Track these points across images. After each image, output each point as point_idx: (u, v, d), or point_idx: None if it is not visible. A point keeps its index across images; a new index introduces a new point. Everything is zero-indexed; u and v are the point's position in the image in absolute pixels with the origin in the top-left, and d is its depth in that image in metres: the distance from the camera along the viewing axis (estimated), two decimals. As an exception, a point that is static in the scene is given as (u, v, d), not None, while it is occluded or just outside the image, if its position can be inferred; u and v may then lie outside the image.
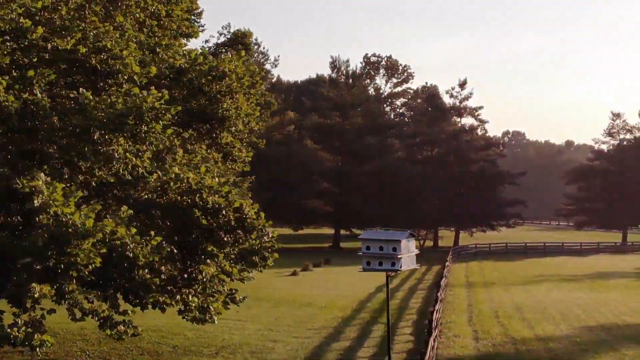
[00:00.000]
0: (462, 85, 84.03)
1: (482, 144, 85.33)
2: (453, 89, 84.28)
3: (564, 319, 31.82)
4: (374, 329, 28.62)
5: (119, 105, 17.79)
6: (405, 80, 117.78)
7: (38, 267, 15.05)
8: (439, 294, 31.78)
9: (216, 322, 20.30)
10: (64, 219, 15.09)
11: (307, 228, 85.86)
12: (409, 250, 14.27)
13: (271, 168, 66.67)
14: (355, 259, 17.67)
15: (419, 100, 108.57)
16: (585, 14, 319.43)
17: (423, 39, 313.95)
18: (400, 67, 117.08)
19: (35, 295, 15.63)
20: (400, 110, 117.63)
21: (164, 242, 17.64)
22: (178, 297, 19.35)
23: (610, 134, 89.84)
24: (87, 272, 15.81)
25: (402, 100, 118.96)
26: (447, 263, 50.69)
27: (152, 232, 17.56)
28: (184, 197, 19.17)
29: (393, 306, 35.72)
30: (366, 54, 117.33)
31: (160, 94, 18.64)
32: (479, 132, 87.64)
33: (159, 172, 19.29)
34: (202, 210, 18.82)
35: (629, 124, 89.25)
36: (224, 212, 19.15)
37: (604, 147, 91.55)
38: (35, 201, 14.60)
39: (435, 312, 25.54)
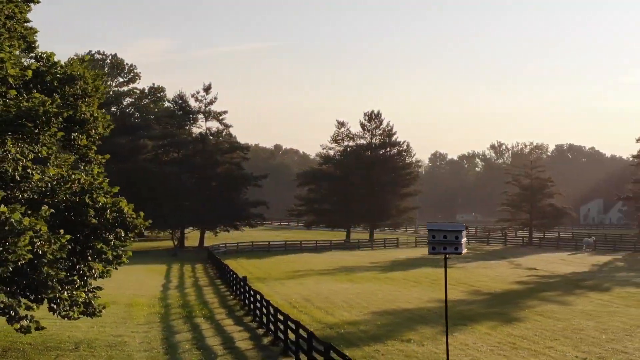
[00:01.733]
0: (207, 89, 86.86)
1: (228, 147, 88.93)
2: (198, 92, 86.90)
3: (350, 306, 36.21)
4: (198, 322, 30.25)
5: (14, 109, 17.95)
6: (132, 80, 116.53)
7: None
8: (245, 287, 34.26)
9: (101, 315, 21.04)
10: (2, 217, 15.32)
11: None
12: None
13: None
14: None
15: (145, 101, 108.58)
16: (306, 23, 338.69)
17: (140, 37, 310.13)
18: (127, 67, 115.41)
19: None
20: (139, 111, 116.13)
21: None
22: (66, 293, 19.68)
23: (335, 140, 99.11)
24: (10, 269, 16.11)
25: (129, 100, 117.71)
26: (223, 260, 52.86)
27: (62, 230, 17.96)
28: (75, 197, 19.58)
29: (193, 301, 37.37)
30: (90, 51, 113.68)
31: (48, 99, 19.11)
32: (225, 135, 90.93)
33: (48, 173, 19.51)
34: (93, 210, 19.45)
35: (352, 132, 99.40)
36: (108, 211, 19.98)
37: (331, 152, 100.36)
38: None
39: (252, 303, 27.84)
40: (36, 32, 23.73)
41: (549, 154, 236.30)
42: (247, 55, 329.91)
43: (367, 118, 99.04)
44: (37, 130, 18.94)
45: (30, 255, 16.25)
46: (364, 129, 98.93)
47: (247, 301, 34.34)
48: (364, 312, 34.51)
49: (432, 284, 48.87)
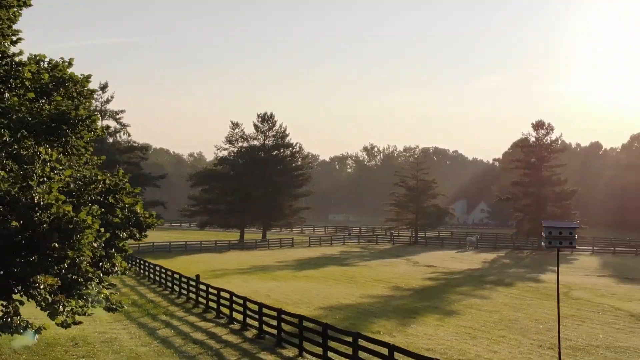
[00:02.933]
0: (104, 88, 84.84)
1: (126, 147, 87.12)
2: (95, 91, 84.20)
3: (296, 303, 37.58)
4: (165, 319, 30.67)
5: (45, 112, 18.38)
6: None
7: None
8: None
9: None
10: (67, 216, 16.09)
11: None
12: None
13: None
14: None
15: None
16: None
17: None
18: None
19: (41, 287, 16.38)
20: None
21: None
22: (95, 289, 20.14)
23: (230, 141, 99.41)
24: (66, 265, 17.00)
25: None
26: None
27: (102, 229, 18.59)
28: (99, 197, 20.11)
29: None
30: None
31: (82, 102, 19.66)
32: (123, 135, 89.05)
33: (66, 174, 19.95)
34: (119, 209, 20.07)
35: (246, 133, 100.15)
36: (126, 210, 20.69)
37: (225, 153, 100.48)
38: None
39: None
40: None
41: (416, 156, 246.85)
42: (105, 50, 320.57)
43: (260, 119, 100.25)
44: (69, 132, 19.28)
45: (90, 253, 16.80)
46: (257, 130, 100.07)
47: (200, 298, 35.09)
48: (312, 308, 35.97)
49: (351, 281, 51.15)
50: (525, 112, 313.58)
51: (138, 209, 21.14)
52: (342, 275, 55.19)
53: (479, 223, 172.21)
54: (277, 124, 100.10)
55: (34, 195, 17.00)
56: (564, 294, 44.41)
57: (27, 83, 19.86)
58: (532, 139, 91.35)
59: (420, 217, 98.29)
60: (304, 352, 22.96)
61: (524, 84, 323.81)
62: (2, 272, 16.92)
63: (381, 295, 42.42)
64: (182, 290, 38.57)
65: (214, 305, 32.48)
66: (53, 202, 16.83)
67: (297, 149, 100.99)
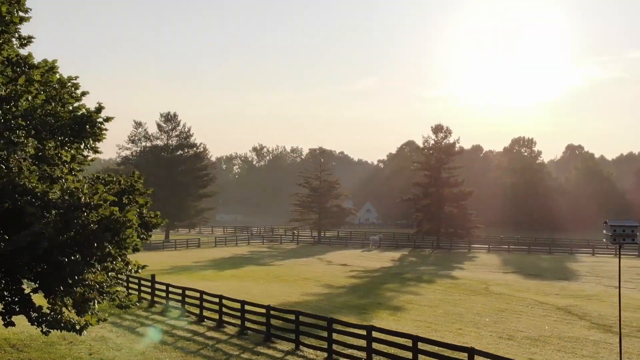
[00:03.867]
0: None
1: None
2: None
3: (251, 300, 38.10)
4: (133, 317, 30.59)
5: (67, 114, 18.77)
6: None
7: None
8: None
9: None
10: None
11: None
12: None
13: None
14: None
15: None
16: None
17: None
18: None
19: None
20: None
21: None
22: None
23: (132, 141, 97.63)
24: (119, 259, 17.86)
25: None
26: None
27: None
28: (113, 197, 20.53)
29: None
30: None
31: (101, 106, 20.16)
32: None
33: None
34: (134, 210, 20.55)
35: (149, 132, 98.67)
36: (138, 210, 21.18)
37: (128, 152, 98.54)
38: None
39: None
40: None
41: (303, 157, 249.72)
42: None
43: (163, 119, 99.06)
44: (90, 134, 19.49)
45: (131, 251, 17.36)
46: (160, 130, 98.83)
47: (156, 297, 35.15)
48: (277, 302, 36.32)
49: (280, 280, 52.12)
50: (403, 115, 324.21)
51: (144, 210, 21.44)
52: (267, 275, 55.97)
53: (365, 222, 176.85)
54: (181, 124, 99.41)
55: (80, 196, 17.19)
56: (485, 289, 47.56)
57: (36, 85, 19.78)
58: (432, 142, 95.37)
59: (323, 217, 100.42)
60: (300, 346, 23.91)
61: (400, 87, 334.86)
62: (48, 271, 17.00)
63: (320, 293, 43.69)
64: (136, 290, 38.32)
65: (177, 304, 32.69)
66: (102, 202, 17.12)
67: (202, 149, 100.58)
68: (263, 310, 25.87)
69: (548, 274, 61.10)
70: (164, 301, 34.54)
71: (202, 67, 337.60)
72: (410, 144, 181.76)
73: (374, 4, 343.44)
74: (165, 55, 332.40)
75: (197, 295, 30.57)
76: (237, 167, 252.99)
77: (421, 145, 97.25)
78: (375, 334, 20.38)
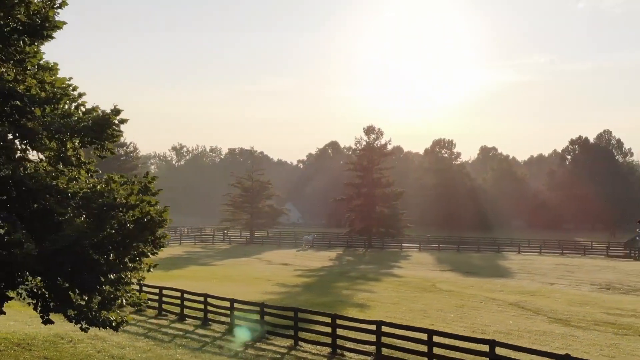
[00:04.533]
0: None
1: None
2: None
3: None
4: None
5: (89, 117, 19.17)
6: None
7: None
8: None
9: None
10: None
11: None
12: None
13: None
14: None
15: None
16: None
17: None
18: None
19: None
20: None
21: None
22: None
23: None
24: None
25: None
26: None
27: None
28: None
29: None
30: None
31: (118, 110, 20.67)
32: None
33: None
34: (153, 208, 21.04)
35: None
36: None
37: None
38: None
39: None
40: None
41: (222, 156, 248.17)
42: None
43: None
44: (110, 136, 19.74)
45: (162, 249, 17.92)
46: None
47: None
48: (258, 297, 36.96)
49: (232, 279, 52.44)
50: (321, 116, 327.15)
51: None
52: (214, 275, 56.03)
53: (287, 222, 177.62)
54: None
55: (115, 196, 17.41)
56: (432, 287, 49.35)
57: (47, 87, 19.75)
58: (364, 143, 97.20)
59: (255, 217, 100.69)
60: (299, 342, 24.58)
61: (317, 88, 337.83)
62: (84, 269, 17.12)
63: (279, 292, 44.29)
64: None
65: (154, 304, 32.74)
66: (139, 202, 17.42)
67: (132, 148, 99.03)
68: (257, 308, 26.31)
69: (483, 271, 63.58)
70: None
71: (123, 64, 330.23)
72: (333, 144, 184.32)
73: (293, 5, 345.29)
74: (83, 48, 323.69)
75: (178, 294, 30.71)
76: (154, 166, 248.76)
77: (353, 146, 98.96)
78: (385, 328, 21.29)
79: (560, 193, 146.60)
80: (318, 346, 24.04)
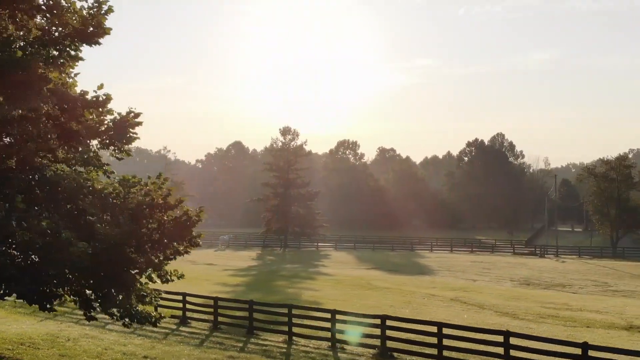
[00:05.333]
0: None
1: None
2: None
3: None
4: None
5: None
6: None
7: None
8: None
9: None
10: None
11: None
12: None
13: None
14: None
15: None
16: None
17: None
18: None
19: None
20: None
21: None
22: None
23: None
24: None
25: None
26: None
27: None
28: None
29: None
30: None
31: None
32: None
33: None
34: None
35: None
36: None
37: None
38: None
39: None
40: None
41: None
42: None
43: None
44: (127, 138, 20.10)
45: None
46: None
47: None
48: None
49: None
50: (220, 115, 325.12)
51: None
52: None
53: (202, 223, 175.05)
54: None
55: (154, 197, 17.75)
56: (369, 284, 50.90)
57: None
58: (280, 144, 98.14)
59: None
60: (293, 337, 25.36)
61: (211, 87, 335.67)
62: (122, 268, 17.39)
63: (227, 291, 44.48)
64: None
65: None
66: (177, 203, 17.85)
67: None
68: (246, 306, 26.85)
69: (406, 269, 65.89)
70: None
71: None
72: (237, 145, 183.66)
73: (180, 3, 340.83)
74: None
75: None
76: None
77: (259, 148, 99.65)
78: (389, 322, 22.44)
79: (458, 193, 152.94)
80: (313, 340, 24.85)
